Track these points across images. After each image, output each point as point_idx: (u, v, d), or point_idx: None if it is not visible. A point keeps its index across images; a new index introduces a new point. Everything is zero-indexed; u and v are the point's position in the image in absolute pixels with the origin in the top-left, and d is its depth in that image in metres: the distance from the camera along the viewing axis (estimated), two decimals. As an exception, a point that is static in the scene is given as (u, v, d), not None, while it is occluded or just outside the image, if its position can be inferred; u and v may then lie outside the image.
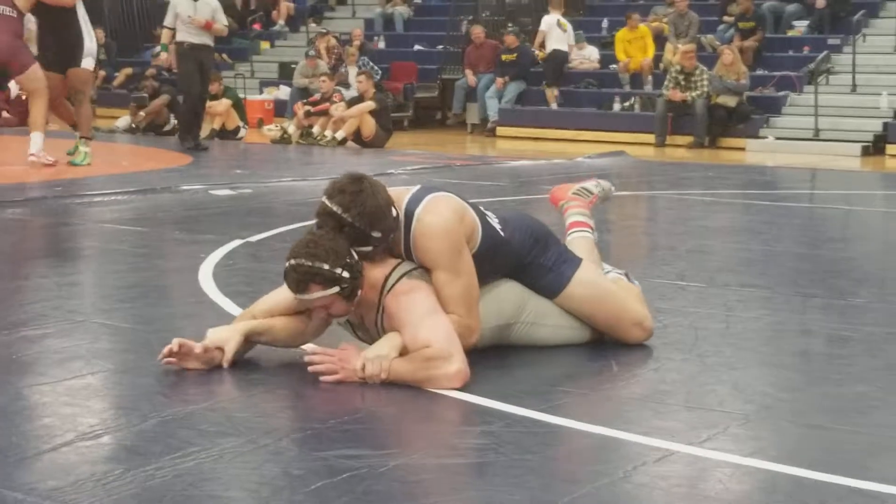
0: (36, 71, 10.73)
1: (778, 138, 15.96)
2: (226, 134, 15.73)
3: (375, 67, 18.31)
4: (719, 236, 7.75)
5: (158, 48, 20.92)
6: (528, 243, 4.22)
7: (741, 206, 9.71)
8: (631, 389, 3.99)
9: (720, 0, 18.92)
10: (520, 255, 4.20)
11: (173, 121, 16.73)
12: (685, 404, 3.69)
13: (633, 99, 17.48)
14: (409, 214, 3.93)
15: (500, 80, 18.26)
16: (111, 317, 4.78)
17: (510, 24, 19.42)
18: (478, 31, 18.99)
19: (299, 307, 3.92)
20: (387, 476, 2.95)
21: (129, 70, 21.29)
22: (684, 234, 7.64)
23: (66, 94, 11.25)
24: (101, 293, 5.32)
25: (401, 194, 3.99)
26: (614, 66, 18.18)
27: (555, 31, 18.24)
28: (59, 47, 11.00)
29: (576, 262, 4.36)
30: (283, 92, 19.36)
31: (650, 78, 17.81)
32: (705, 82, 16.26)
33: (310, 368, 3.80)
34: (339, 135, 15.09)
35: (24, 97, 11.08)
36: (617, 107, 17.51)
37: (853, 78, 16.50)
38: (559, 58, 18.17)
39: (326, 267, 3.71)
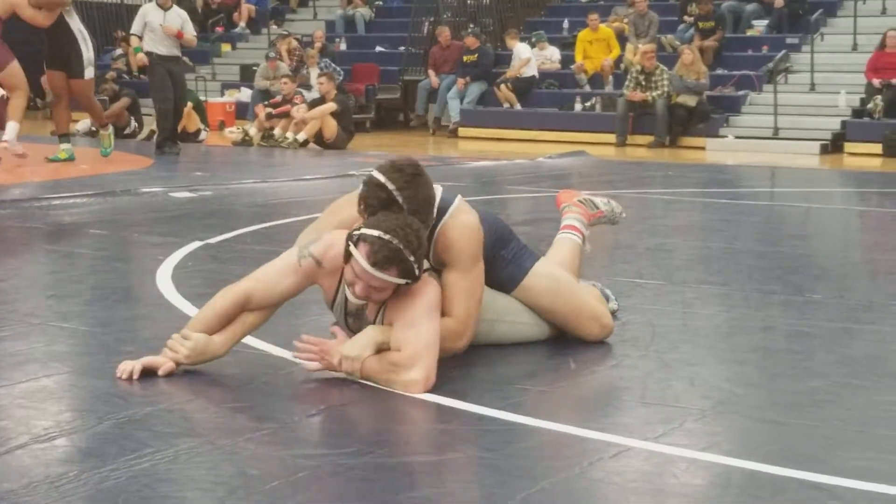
0: (14, 68, 10.84)
1: (737, 137, 16.05)
2: (186, 136, 15.65)
3: (338, 69, 18.29)
4: (679, 234, 7.79)
5: (119, 51, 20.86)
6: (491, 238, 4.23)
7: (701, 204, 9.77)
8: (588, 386, 4.01)
9: (680, 0, 19.01)
10: (490, 248, 4.20)
11: (134, 123, 16.66)
12: (642, 400, 3.71)
13: (594, 99, 17.53)
14: (442, 210, 3.95)
15: (461, 81, 18.28)
16: (68, 319, 4.76)
17: (472, 25, 19.45)
18: (445, 33, 19.00)
19: (312, 273, 3.86)
20: (343, 475, 2.95)
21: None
22: (644, 232, 7.67)
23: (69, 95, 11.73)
24: (58, 296, 5.29)
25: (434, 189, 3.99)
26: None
27: (532, 59, 18.26)
28: (50, 46, 11.46)
29: (534, 255, 4.39)
30: (245, 94, 19.30)
31: (611, 78, 17.88)
32: (665, 82, 16.34)
33: (293, 354, 3.84)
34: (301, 137, 15.06)
35: (5, 97, 11.16)
36: (578, 107, 17.56)
37: (812, 77, 16.62)
38: (531, 82, 18.18)
39: (412, 258, 3.68)
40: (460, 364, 4.01)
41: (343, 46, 20.96)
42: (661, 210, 9.25)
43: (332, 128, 14.98)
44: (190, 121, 15.70)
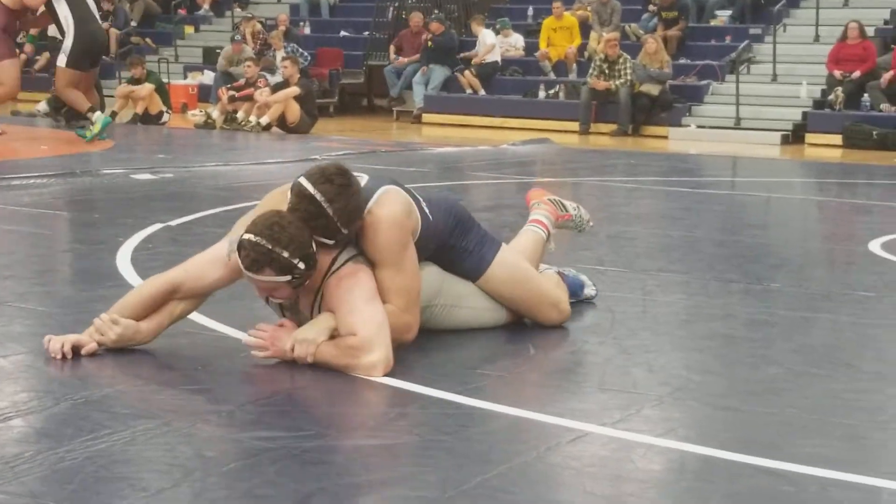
0: (7, 66, 11.03)
1: (700, 126, 16.11)
2: (149, 119, 15.57)
3: (305, 53, 18.23)
4: (640, 222, 7.82)
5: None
6: (451, 224, 4.23)
7: (662, 192, 9.80)
8: (547, 372, 4.02)
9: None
10: (442, 236, 4.19)
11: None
12: (600, 386, 3.72)
13: (557, 87, 17.54)
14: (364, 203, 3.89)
15: (424, 68, 18.25)
16: (26, 300, 4.72)
17: (436, 11, 19.42)
18: (416, 18, 18.95)
19: (238, 268, 3.82)
20: (300, 458, 2.95)
21: (48, 54, 20.99)
22: (605, 220, 7.68)
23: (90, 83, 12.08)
24: (17, 276, 5.25)
25: None
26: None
27: (494, 49, 18.23)
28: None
29: (496, 244, 4.38)
30: (208, 77, 19.19)
31: (575, 66, 17.90)
32: (629, 71, 16.37)
33: (244, 341, 3.81)
34: (264, 120, 14.99)
35: None
36: (542, 94, 17.57)
37: (774, 67, 16.70)
38: (494, 68, 18.16)
39: (286, 255, 3.66)
40: (419, 348, 4.01)
41: (307, 30, 20.87)
42: (623, 198, 9.28)
43: (295, 112, 14.93)
44: (152, 103, 15.60)
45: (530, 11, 19.81)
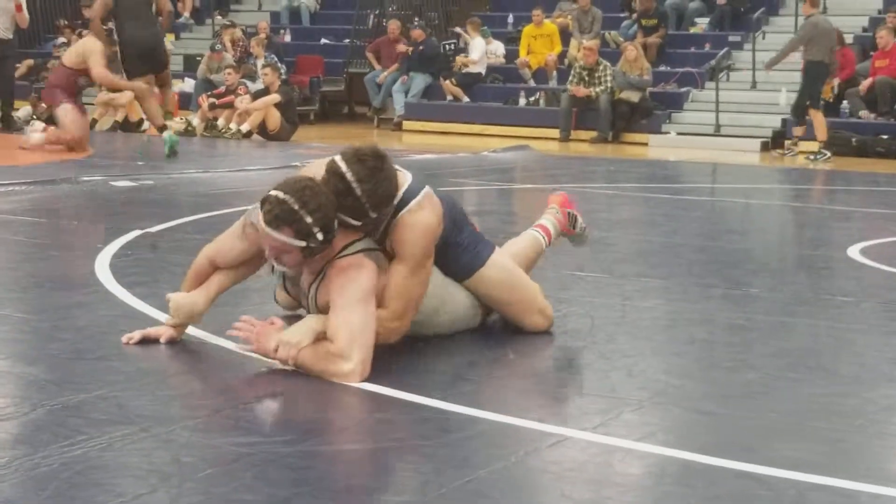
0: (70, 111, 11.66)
1: (680, 133, 16.15)
2: (129, 126, 15.53)
3: (280, 65, 18.22)
4: (620, 228, 7.83)
5: (61, 39, 20.65)
6: (447, 223, 4.18)
7: (642, 199, 9.82)
8: (527, 377, 4.02)
9: (623, -3, 19.11)
10: (447, 233, 4.15)
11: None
12: (580, 391, 3.73)
13: (537, 94, 17.56)
14: (404, 201, 3.90)
15: (403, 77, 18.26)
16: (3, 306, 4.70)
17: (417, 19, 19.43)
18: (393, 26, 18.96)
19: (255, 239, 3.87)
20: (278, 463, 2.94)
21: (30, 61, 20.91)
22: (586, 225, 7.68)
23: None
24: (-6, 283, 5.22)
25: (403, 177, 3.96)
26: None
27: (483, 59, 18.24)
28: None
29: (490, 245, 4.37)
30: (188, 84, 19.15)
31: (555, 73, 17.92)
32: (609, 78, 16.41)
33: (228, 332, 3.85)
34: (244, 127, 14.97)
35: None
36: (522, 102, 17.59)
37: (753, 75, 16.75)
38: (476, 77, 18.18)
39: (309, 220, 3.66)
40: (398, 353, 4.00)
41: (288, 38, 20.85)
42: (604, 204, 9.29)
43: (275, 119, 14.91)
44: (132, 110, 15.56)
45: (510, 19, 19.83)
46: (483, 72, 18.22)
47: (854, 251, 6.63)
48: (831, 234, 8.07)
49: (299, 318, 4.05)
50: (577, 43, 17.77)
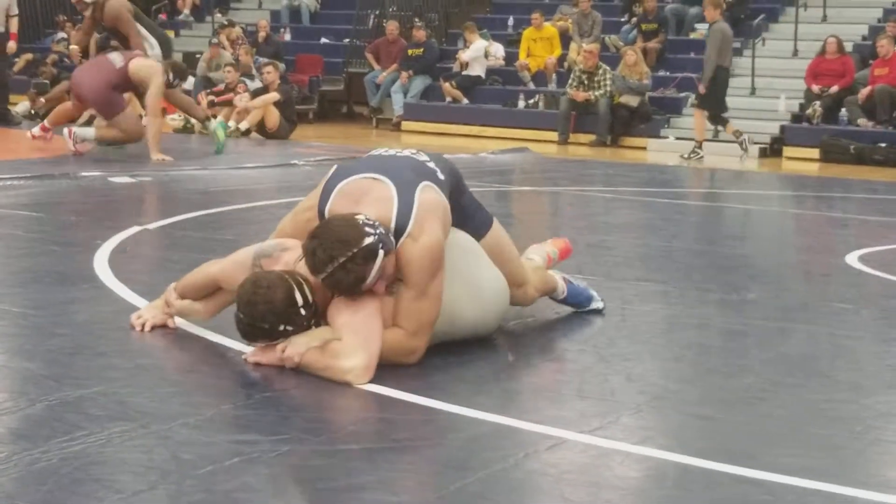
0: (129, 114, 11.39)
1: (678, 138, 16.14)
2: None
3: (280, 64, 18.20)
4: (618, 232, 7.83)
5: (61, 35, 20.63)
6: (456, 183, 4.19)
7: (641, 203, 9.82)
8: (526, 379, 4.02)
9: (624, 1, 19.10)
10: (450, 195, 4.10)
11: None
12: (579, 394, 3.73)
13: (537, 97, 17.56)
14: (400, 230, 3.82)
15: (404, 75, 18.27)
16: (2, 301, 4.69)
17: (417, 20, 19.43)
18: (392, 27, 18.96)
19: None
20: (277, 461, 2.94)
21: (29, 56, 20.90)
22: (584, 229, 7.70)
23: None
24: (-8, 278, 5.22)
25: (384, 203, 3.85)
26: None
27: (480, 59, 18.24)
28: None
29: (488, 213, 4.40)
30: (187, 82, 19.13)
31: (554, 76, 17.93)
32: (608, 82, 16.41)
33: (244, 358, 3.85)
34: (243, 125, 14.96)
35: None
36: (521, 104, 17.59)
37: (752, 81, 16.76)
38: (476, 80, 18.17)
39: (266, 326, 3.73)
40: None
41: (288, 37, 20.86)
42: (602, 208, 9.30)
43: (274, 117, 14.90)
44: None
45: (511, 21, 19.83)
46: (483, 75, 18.22)
47: (852, 258, 6.64)
48: (829, 241, 8.08)
49: None
50: (577, 46, 17.77)
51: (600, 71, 16.48)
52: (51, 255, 6.03)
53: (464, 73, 18.16)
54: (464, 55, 18.21)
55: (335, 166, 4.14)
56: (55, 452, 2.90)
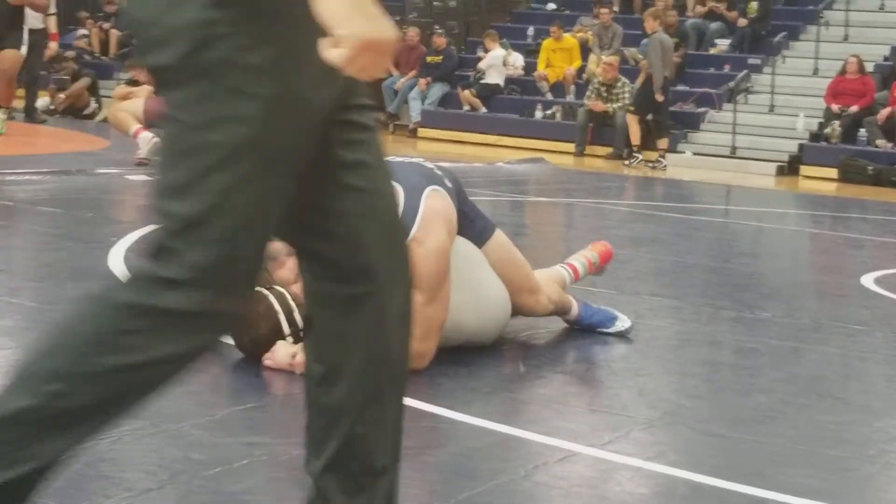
0: None
1: (695, 153, 16.15)
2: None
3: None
4: (633, 246, 7.81)
5: (82, 31, 20.69)
6: (457, 191, 4.18)
7: (656, 217, 9.81)
8: (536, 391, 4.01)
9: (644, 14, 19.10)
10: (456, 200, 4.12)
11: (94, 104, 16.54)
12: (589, 407, 3.72)
13: (554, 108, 17.57)
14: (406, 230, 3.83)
15: (423, 81, 18.30)
16: (18, 295, 4.71)
17: (437, 27, 19.46)
18: (412, 33, 19.01)
19: None
20: (287, 464, 2.93)
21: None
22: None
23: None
24: (8, 272, 5.23)
25: None
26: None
27: (498, 67, 18.26)
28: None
29: (490, 221, 4.40)
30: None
31: (573, 88, 17.93)
32: (627, 95, 16.41)
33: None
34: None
35: None
36: (539, 114, 17.60)
37: (772, 98, 16.75)
38: (495, 89, 18.19)
39: (257, 351, 3.79)
40: (410, 361, 3.99)
41: (308, 40, 20.89)
42: (617, 221, 9.29)
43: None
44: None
45: (531, 31, 19.85)
46: (501, 83, 18.24)
47: (868, 280, 6.62)
48: (845, 262, 8.06)
49: None
50: (597, 58, 17.77)
51: (619, 83, 16.48)
52: (67, 250, 6.05)
53: (482, 81, 18.17)
54: (481, 63, 18.24)
55: None
56: (66, 449, 2.90)
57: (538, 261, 4.87)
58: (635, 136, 15.70)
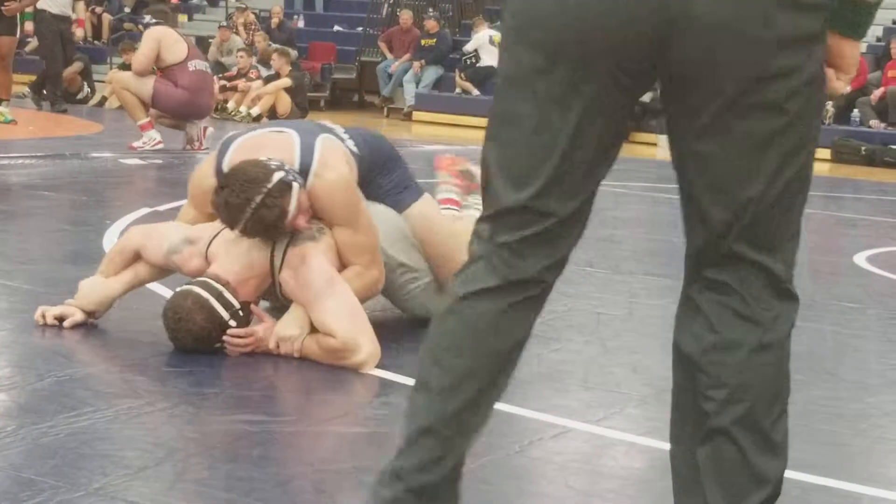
0: None
1: (690, 135, 16.13)
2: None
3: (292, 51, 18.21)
4: (628, 226, 7.83)
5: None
6: (377, 161, 4.13)
7: (650, 198, 9.82)
8: (531, 368, 4.02)
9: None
10: (367, 171, 4.06)
11: (87, 89, 16.51)
12: (584, 384, 3.73)
13: (549, 90, 17.55)
14: (304, 171, 3.79)
15: (417, 65, 18.27)
16: (12, 277, 4.71)
17: (431, 10, 19.42)
18: (406, 16, 18.96)
19: (178, 267, 3.89)
20: (283, 442, 2.95)
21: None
22: (593, 222, 7.62)
23: None
24: (2, 254, 5.23)
25: (285, 149, 3.83)
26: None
27: (487, 48, 18.20)
28: None
29: (417, 192, 4.27)
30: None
31: (567, 70, 17.91)
32: (621, 77, 16.40)
33: (225, 349, 3.71)
34: (255, 111, 14.99)
35: None
36: (533, 97, 17.56)
37: (765, 80, 16.73)
38: (489, 73, 17.85)
39: (203, 346, 3.66)
40: (402, 339, 4.01)
41: (301, 24, 20.85)
42: (612, 202, 9.28)
43: (285, 104, 14.93)
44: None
45: (525, 14, 19.81)
46: (495, 66, 18.17)
47: (860, 258, 6.64)
48: (838, 241, 8.08)
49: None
50: (591, 41, 17.74)
51: (613, 66, 16.46)
52: (62, 233, 6.05)
53: (478, 65, 18.14)
54: (467, 45, 18.19)
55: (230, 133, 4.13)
56: (62, 427, 2.92)
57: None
58: None
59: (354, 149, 4.02)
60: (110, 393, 3.25)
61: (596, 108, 1.98)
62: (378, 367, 3.66)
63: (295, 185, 3.67)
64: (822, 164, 14.83)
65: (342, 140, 4.00)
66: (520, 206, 2.04)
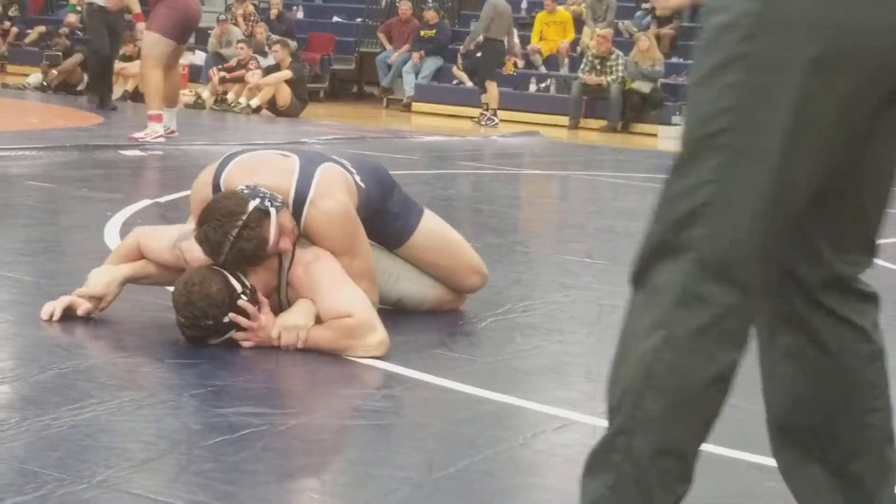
0: None
1: (690, 126, 16.12)
2: (139, 96, 15.49)
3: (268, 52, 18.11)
4: (627, 217, 7.82)
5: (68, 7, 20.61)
6: (377, 188, 4.11)
7: (650, 189, 9.80)
8: (534, 360, 4.02)
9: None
10: (373, 203, 4.07)
11: (86, 80, 16.48)
12: (586, 376, 3.73)
13: (548, 81, 17.54)
14: (301, 198, 3.76)
15: (416, 55, 18.25)
16: (13, 270, 4.71)
17: (430, 1, 19.40)
18: (405, 7, 18.94)
19: (180, 264, 3.84)
20: (286, 434, 2.95)
21: (42, 28, 20.89)
22: (594, 213, 7.70)
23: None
24: (3, 246, 5.23)
25: (284, 173, 3.81)
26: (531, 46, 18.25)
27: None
28: None
29: (418, 209, 4.30)
30: (199, 57, 19.11)
31: (566, 61, 17.90)
32: (621, 67, 16.38)
33: (234, 334, 3.68)
34: (254, 102, 14.97)
35: None
36: (533, 88, 17.56)
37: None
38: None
39: (211, 322, 3.60)
40: (405, 331, 4.01)
41: (300, 15, 20.83)
42: (611, 193, 9.30)
43: (285, 95, 14.90)
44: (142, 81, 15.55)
45: (524, 4, 19.80)
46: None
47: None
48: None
49: None
50: (591, 31, 17.74)
51: (613, 56, 16.45)
52: (62, 225, 6.05)
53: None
54: (466, 39, 18.13)
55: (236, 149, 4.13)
56: (65, 419, 2.91)
57: (533, 232, 4.88)
58: (494, 100, 16.05)
59: (361, 184, 4.01)
60: (113, 385, 3.25)
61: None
62: (382, 360, 3.65)
63: (272, 210, 3.64)
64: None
65: (350, 173, 3.98)
66: None
